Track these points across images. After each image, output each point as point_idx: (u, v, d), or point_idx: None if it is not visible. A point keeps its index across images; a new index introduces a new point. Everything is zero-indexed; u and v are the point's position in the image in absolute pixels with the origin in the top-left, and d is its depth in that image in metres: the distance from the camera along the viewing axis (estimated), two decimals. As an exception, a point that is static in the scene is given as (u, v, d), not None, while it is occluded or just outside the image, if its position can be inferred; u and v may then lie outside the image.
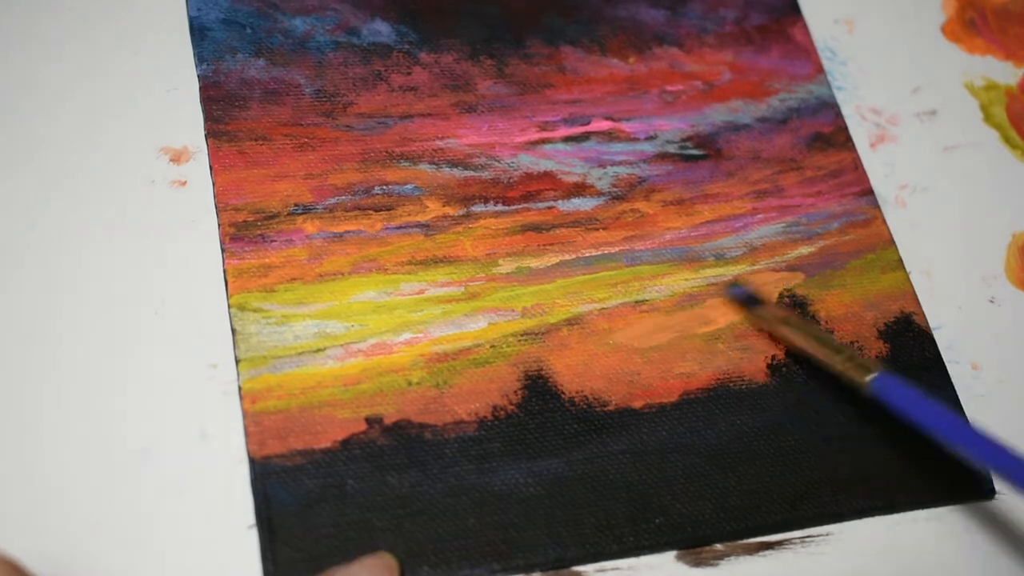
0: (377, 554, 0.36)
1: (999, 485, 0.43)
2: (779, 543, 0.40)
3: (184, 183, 0.42)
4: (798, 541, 0.40)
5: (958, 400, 0.44)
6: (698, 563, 0.39)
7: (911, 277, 0.47)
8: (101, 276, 0.40)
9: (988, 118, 0.51)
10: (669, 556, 0.39)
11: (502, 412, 0.40)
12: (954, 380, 0.45)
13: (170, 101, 0.44)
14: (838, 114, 0.50)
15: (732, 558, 0.40)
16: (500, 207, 0.44)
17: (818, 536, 0.41)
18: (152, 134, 0.43)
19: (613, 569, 0.39)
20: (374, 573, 0.36)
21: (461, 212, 0.44)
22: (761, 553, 0.40)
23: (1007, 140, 0.51)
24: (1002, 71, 0.53)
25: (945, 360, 0.45)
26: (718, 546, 0.40)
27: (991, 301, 0.47)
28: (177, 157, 0.43)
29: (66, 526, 0.36)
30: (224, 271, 0.41)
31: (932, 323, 0.46)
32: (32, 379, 0.38)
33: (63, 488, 0.37)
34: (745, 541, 0.40)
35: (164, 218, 0.42)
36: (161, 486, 0.37)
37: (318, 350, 0.40)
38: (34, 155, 0.42)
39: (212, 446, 0.38)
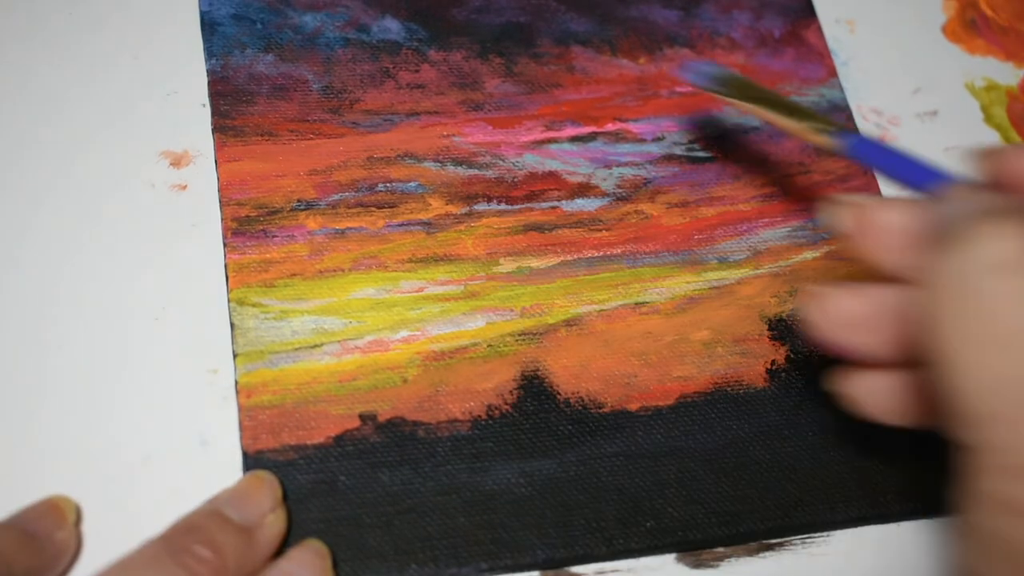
0: (304, 544, 0.36)
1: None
2: (779, 544, 0.40)
3: (184, 187, 0.42)
4: (799, 542, 0.40)
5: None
6: (698, 564, 0.39)
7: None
8: (100, 282, 0.40)
9: (989, 119, 0.50)
10: (669, 558, 0.39)
11: (496, 412, 0.40)
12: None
13: (170, 105, 0.44)
14: (849, 117, 0.49)
15: (732, 559, 0.39)
16: (503, 206, 0.44)
17: (819, 537, 0.40)
18: (152, 138, 0.43)
19: (613, 571, 0.39)
20: (304, 563, 0.35)
21: (464, 210, 0.44)
22: (761, 555, 0.40)
23: (1008, 141, 0.50)
24: (1003, 72, 0.52)
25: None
26: (718, 547, 0.39)
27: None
28: (177, 161, 0.43)
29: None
30: (226, 270, 0.41)
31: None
32: (32, 386, 0.38)
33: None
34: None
35: (164, 223, 0.42)
36: (161, 493, 0.37)
37: (315, 346, 0.40)
38: (34, 158, 0.42)
39: (212, 453, 0.38)
